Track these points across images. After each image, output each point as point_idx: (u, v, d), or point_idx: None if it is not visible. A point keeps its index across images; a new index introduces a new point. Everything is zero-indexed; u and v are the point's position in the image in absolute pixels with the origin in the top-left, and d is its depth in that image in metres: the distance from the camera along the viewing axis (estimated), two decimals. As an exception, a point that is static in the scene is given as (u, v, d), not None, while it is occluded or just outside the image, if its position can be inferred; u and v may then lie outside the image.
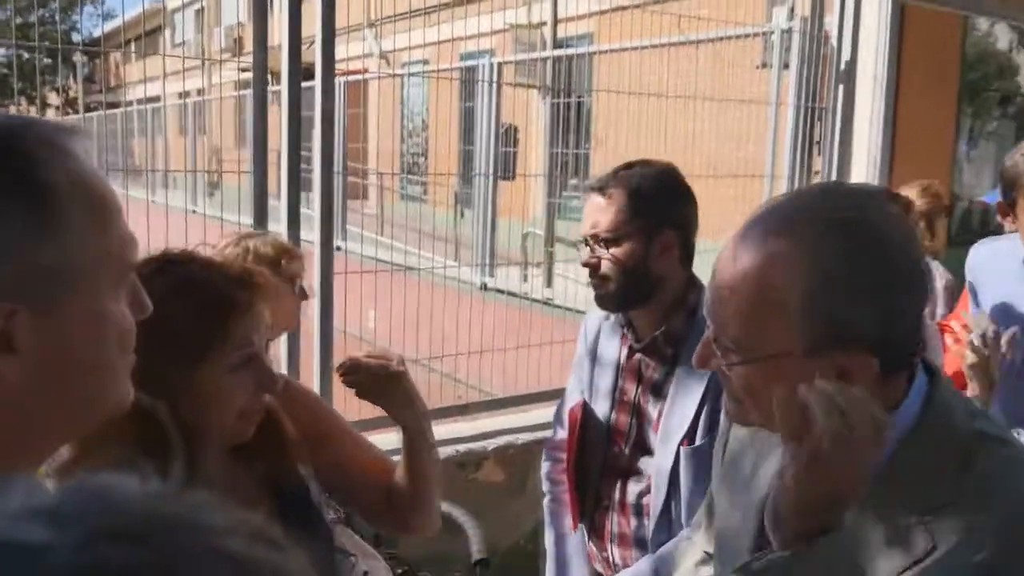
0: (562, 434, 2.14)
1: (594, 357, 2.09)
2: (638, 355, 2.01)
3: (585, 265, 1.96)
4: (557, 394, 2.44)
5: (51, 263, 0.69)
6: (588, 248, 1.95)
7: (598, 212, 1.93)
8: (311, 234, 3.01)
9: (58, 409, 0.73)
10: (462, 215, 5.33)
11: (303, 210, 2.97)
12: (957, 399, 1.05)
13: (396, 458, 1.57)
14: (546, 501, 2.21)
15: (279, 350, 2.91)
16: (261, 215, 2.89)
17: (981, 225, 11.01)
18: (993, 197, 2.90)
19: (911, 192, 3.49)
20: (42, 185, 0.69)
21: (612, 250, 1.91)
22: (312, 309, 3.00)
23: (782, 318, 0.96)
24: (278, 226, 2.91)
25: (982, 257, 2.51)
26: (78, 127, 0.83)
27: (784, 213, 1.00)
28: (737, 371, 1.01)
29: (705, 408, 1.90)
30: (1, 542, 0.30)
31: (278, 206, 2.94)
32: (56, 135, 0.73)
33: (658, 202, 1.92)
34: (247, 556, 0.33)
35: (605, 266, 1.91)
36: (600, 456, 2.04)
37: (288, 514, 1.32)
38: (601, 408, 2.05)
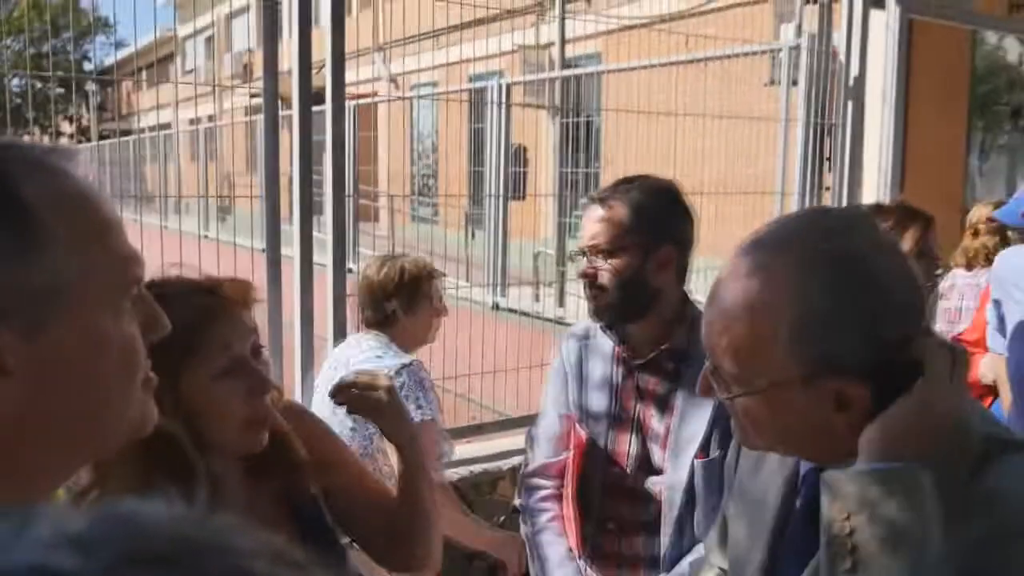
0: (542, 459, 2.09)
1: (580, 378, 2.05)
2: (637, 372, 2.00)
3: (583, 276, 1.95)
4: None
5: (36, 283, 0.68)
6: (586, 259, 1.96)
7: (598, 224, 1.93)
8: (324, 257, 3.02)
9: (63, 433, 0.72)
10: (473, 236, 5.34)
11: (315, 234, 2.98)
12: (973, 404, 1.06)
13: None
14: (529, 532, 2.10)
15: (291, 376, 2.91)
16: (274, 239, 2.90)
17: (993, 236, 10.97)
18: (1006, 214, 2.89)
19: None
20: (21, 204, 0.68)
21: (611, 262, 1.91)
22: (326, 330, 3.01)
23: (774, 350, 0.97)
24: (290, 250, 2.92)
25: (1013, 267, 2.49)
26: (68, 147, 0.82)
27: (771, 246, 1.02)
28: (737, 403, 1.03)
29: (717, 423, 1.89)
30: (31, 568, 0.30)
31: (290, 230, 2.95)
32: (38, 154, 0.73)
33: (659, 217, 1.93)
34: None
35: (603, 277, 1.92)
36: (600, 478, 2.01)
37: (305, 534, 1.32)
38: (595, 429, 2.02)
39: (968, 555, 0.91)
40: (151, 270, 1.32)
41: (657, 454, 1.96)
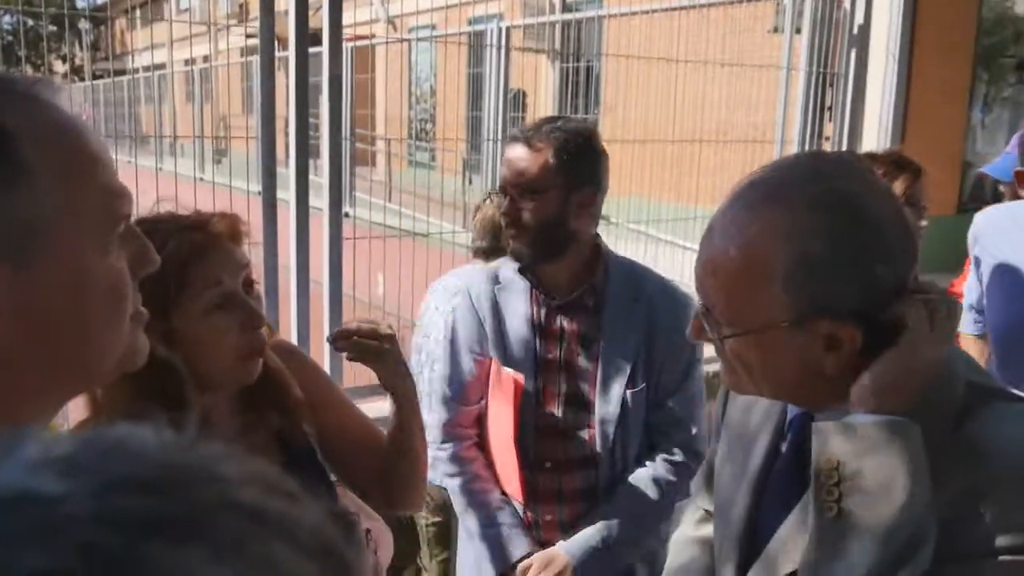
0: (455, 407, 2.08)
1: (498, 321, 2.03)
2: (558, 312, 2.02)
3: (505, 215, 1.96)
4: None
5: (19, 215, 0.68)
6: (508, 198, 1.95)
7: (524, 162, 1.93)
8: (319, 200, 3.00)
9: (52, 365, 0.72)
10: (470, 181, 5.31)
11: (311, 177, 2.96)
12: (959, 352, 1.07)
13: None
14: (458, 484, 2.07)
15: (288, 318, 2.92)
16: (269, 182, 2.88)
17: (993, 192, 10.95)
18: (997, 169, 2.82)
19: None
20: (2, 135, 0.67)
21: (534, 201, 1.92)
22: (322, 274, 3.01)
23: (767, 291, 0.98)
24: (286, 193, 2.90)
25: (988, 224, 2.48)
26: (54, 80, 0.81)
27: (765, 188, 1.02)
28: (728, 343, 1.03)
29: (641, 354, 2.00)
30: (17, 492, 0.30)
31: (286, 173, 2.93)
32: (22, 86, 0.71)
33: (581, 160, 1.94)
34: (263, 507, 0.33)
35: (526, 216, 1.93)
36: (532, 420, 2.01)
37: (295, 470, 1.33)
38: (520, 371, 2.02)
39: (950, 505, 0.92)
40: (146, 212, 1.32)
41: (586, 391, 2.01)
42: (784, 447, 1.15)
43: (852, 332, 0.96)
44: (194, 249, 1.27)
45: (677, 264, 4.21)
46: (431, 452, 1.98)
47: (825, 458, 0.95)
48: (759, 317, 0.99)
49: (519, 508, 2.05)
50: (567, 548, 1.99)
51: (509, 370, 2.00)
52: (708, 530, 1.37)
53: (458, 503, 2.09)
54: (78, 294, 0.72)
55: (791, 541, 1.06)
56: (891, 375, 0.95)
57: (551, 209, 1.92)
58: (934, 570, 0.90)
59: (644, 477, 2.04)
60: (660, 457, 2.07)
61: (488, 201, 2.95)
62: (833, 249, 0.96)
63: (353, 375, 2.99)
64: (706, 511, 1.42)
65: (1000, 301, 2.33)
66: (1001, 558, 0.90)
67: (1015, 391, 1.09)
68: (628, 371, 2.00)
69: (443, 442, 2.09)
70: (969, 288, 2.58)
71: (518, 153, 1.93)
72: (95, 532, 0.29)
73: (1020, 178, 2.25)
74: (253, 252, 1.45)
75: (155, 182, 2.91)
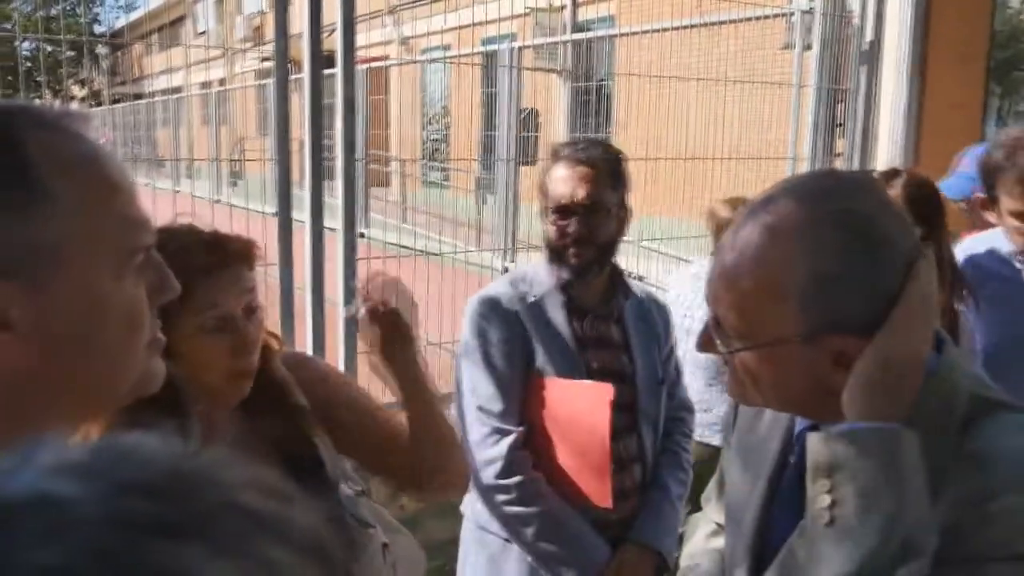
0: (513, 429, 2.04)
1: (543, 339, 2.06)
2: (596, 322, 2.11)
3: (572, 234, 2.01)
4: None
5: (38, 240, 0.70)
6: (576, 217, 2.00)
7: (584, 182, 2.00)
8: (334, 221, 3.03)
9: (67, 387, 0.74)
10: (484, 201, 5.33)
11: (326, 198, 2.99)
12: (964, 364, 1.07)
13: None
14: (534, 512, 2.02)
15: (303, 338, 2.94)
16: (285, 203, 2.91)
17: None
18: (950, 188, 2.72)
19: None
20: (25, 162, 0.70)
21: (603, 221, 2.01)
22: (337, 294, 3.03)
23: (780, 307, 0.99)
24: (302, 214, 2.93)
25: (972, 254, 2.46)
26: (82, 110, 0.84)
27: (780, 205, 1.03)
28: (738, 356, 1.05)
29: (657, 354, 2.17)
30: (34, 495, 0.32)
31: (301, 194, 2.96)
32: (49, 116, 0.74)
33: (624, 179, 2.08)
34: (262, 510, 0.35)
35: (594, 235, 2.02)
36: None
37: (295, 476, 1.36)
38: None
39: (953, 511, 0.93)
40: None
41: (627, 393, 2.09)
42: (792, 458, 1.16)
43: (861, 347, 0.97)
44: (201, 268, 1.29)
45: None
46: (488, 483, 2.00)
47: (817, 467, 0.96)
48: (770, 332, 1.00)
49: (585, 513, 2.07)
50: (646, 538, 2.10)
51: (586, 381, 2.04)
52: (719, 542, 1.37)
53: (529, 532, 2.03)
54: (93, 318, 0.73)
55: (801, 548, 1.07)
56: (867, 379, 0.96)
57: (613, 227, 2.05)
58: (934, 574, 0.91)
59: (674, 456, 2.22)
60: (679, 437, 2.25)
61: (722, 205, 3.14)
62: (847, 267, 0.97)
63: (382, 390, 3.01)
64: (717, 524, 1.42)
65: (987, 329, 2.32)
66: (999, 565, 0.90)
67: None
68: (657, 371, 2.16)
69: (506, 474, 2.02)
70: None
71: (585, 173, 2.00)
72: (105, 533, 0.31)
73: (984, 204, 2.24)
74: (269, 272, 1.48)
75: (173, 204, 2.95)
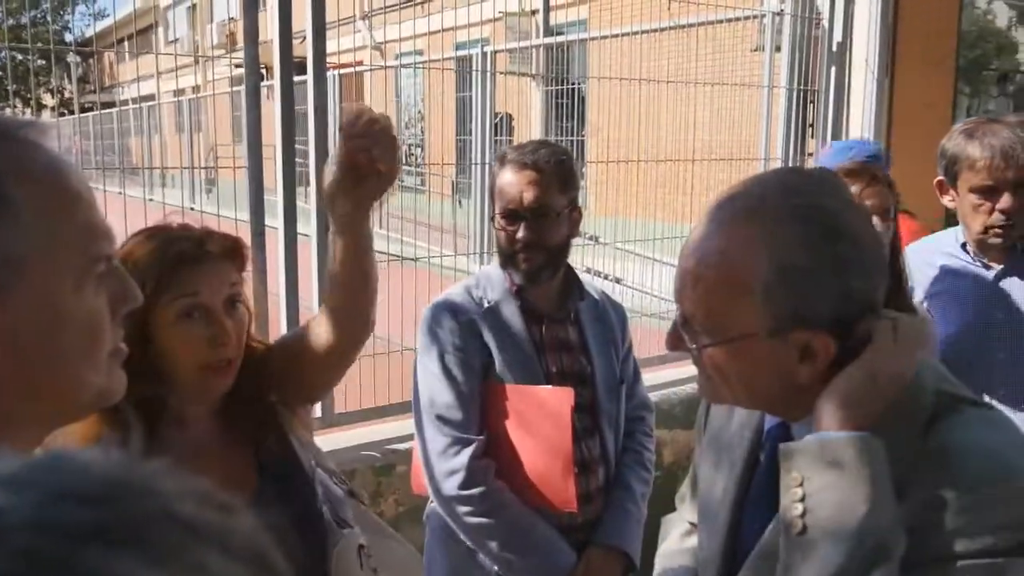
0: (474, 437, 2.03)
1: (501, 345, 2.05)
2: (552, 326, 2.11)
3: (521, 239, 2.00)
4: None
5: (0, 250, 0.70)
6: (524, 223, 1.99)
7: (537, 187, 1.99)
8: (309, 227, 3.02)
9: (28, 396, 0.74)
10: (460, 204, 5.33)
11: (300, 204, 2.98)
12: (928, 362, 1.09)
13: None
14: (496, 522, 2.01)
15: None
16: (258, 210, 2.90)
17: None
18: (830, 158, 2.84)
19: None
20: None
21: (551, 225, 2.00)
22: (312, 300, 3.02)
23: (746, 302, 1.01)
24: (275, 220, 2.92)
25: (918, 253, 2.51)
26: (42, 121, 0.83)
27: (745, 201, 1.05)
28: (706, 352, 1.06)
29: (615, 355, 2.18)
30: None
31: (275, 201, 2.95)
32: (7, 127, 0.74)
33: (574, 181, 2.08)
34: (196, 518, 0.35)
35: (544, 240, 2.01)
36: None
37: (269, 478, 1.37)
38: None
39: (919, 511, 0.94)
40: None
41: (588, 395, 2.11)
42: (763, 456, 1.17)
43: (827, 342, 0.99)
44: (181, 257, 1.32)
45: (666, 283, 4.23)
46: (449, 494, 1.98)
47: (790, 476, 0.98)
48: (737, 327, 1.01)
49: (550, 518, 2.07)
50: (612, 540, 2.09)
51: (547, 387, 2.05)
52: (693, 542, 1.38)
53: (494, 541, 2.02)
54: (52, 329, 0.73)
55: (774, 548, 1.07)
56: (850, 392, 0.98)
57: (563, 231, 2.03)
58: None
59: (636, 455, 2.22)
60: (640, 436, 2.25)
61: None
62: (811, 260, 0.98)
63: (344, 400, 3.00)
64: (691, 523, 1.43)
65: (943, 322, 2.36)
66: (967, 562, 0.92)
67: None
68: (615, 371, 2.16)
69: (468, 485, 2.00)
70: None
71: (531, 178, 1.98)
72: (36, 539, 0.31)
73: (942, 187, 2.31)
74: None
75: (144, 213, 2.93)
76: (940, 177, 2.31)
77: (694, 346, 1.07)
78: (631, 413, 2.25)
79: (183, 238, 1.35)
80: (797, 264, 0.98)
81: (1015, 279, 2.27)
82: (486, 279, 2.12)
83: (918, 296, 2.43)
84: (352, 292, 1.48)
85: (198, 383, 1.38)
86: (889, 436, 0.98)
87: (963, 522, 0.92)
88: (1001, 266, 2.27)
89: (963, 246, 2.33)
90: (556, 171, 2.01)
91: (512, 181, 2.00)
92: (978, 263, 2.30)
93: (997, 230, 2.19)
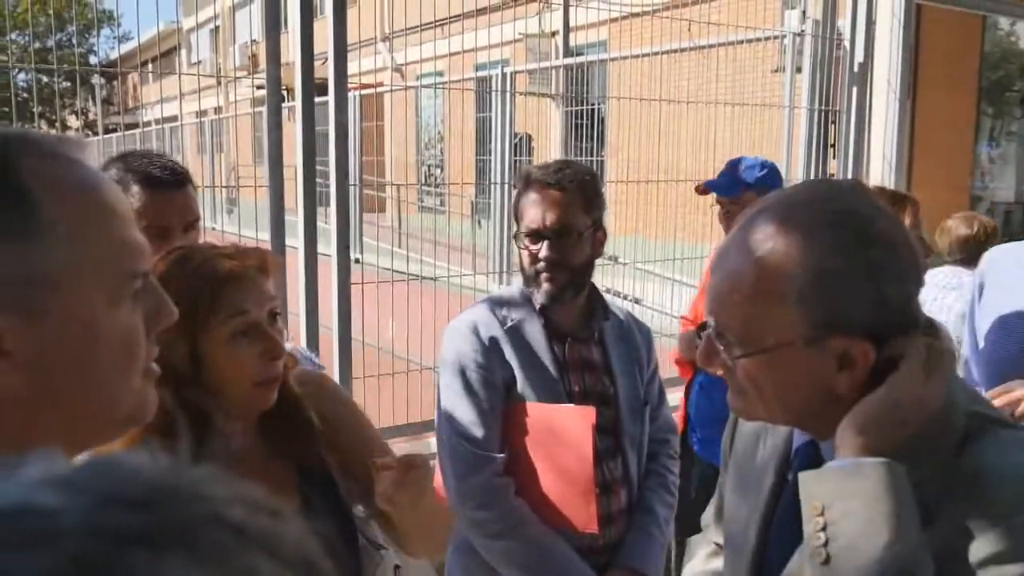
0: (496, 455, 2.01)
1: (524, 364, 2.03)
2: (577, 345, 2.09)
3: (545, 259, 2.00)
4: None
5: (34, 268, 0.69)
6: (547, 242, 1.99)
7: (561, 207, 1.99)
8: (329, 248, 3.03)
9: (62, 416, 0.73)
10: (479, 225, 5.34)
11: (320, 224, 2.99)
12: (960, 383, 1.07)
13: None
14: (517, 542, 1.98)
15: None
16: (278, 229, 2.91)
17: (1004, 226, 10.94)
18: (719, 186, 2.97)
19: None
20: (21, 189, 0.69)
21: (575, 245, 2.00)
22: (331, 320, 3.02)
23: (781, 310, 0.99)
24: (295, 240, 2.93)
25: (997, 258, 2.48)
26: (79, 138, 0.83)
27: (778, 210, 1.03)
28: (741, 364, 1.03)
29: (639, 376, 2.15)
30: (18, 504, 0.33)
31: (295, 221, 2.97)
32: (46, 143, 0.74)
33: (599, 202, 2.07)
34: (247, 523, 0.36)
35: (567, 259, 2.00)
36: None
37: (311, 497, 1.37)
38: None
39: (951, 535, 0.92)
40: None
41: (611, 416, 2.08)
42: (790, 477, 1.15)
43: (865, 349, 0.97)
44: (228, 276, 1.32)
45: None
46: (470, 513, 1.98)
47: (811, 504, 0.96)
48: (774, 336, 0.99)
49: (570, 539, 2.04)
50: (633, 563, 2.06)
51: (568, 405, 2.03)
52: (719, 563, 1.36)
53: (514, 561, 2.00)
54: (88, 347, 0.73)
55: (801, 573, 1.05)
56: (872, 415, 0.96)
57: (586, 250, 2.03)
58: None
59: (660, 478, 2.19)
60: (665, 459, 2.22)
61: (960, 222, 3.28)
62: (847, 265, 0.97)
63: (377, 416, 2.99)
64: (717, 544, 1.41)
65: (997, 335, 2.33)
66: None
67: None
68: (639, 392, 2.14)
69: (486, 505, 1.99)
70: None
71: (554, 197, 1.99)
72: (87, 541, 0.32)
73: None
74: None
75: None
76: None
77: (729, 358, 1.04)
78: (655, 435, 2.21)
79: (223, 256, 1.35)
80: (831, 269, 0.96)
81: None
82: (511, 298, 2.12)
83: (987, 298, 2.41)
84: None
85: (249, 399, 1.37)
86: (920, 458, 0.96)
87: (998, 549, 0.90)
88: None
89: None
90: (579, 191, 2.00)
91: (535, 200, 2.01)
92: None
93: None
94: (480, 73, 5.12)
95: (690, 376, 3.10)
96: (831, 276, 0.97)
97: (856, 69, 4.29)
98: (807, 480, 0.98)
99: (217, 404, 1.35)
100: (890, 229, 1.00)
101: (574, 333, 2.09)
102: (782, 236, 0.99)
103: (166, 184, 1.88)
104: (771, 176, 2.96)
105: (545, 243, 1.99)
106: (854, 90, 4.31)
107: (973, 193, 10.45)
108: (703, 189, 3.07)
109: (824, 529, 0.94)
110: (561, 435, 2.02)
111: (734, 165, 3.04)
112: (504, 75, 4.78)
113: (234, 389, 1.35)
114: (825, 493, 0.95)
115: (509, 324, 2.07)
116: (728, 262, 1.04)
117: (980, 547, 0.91)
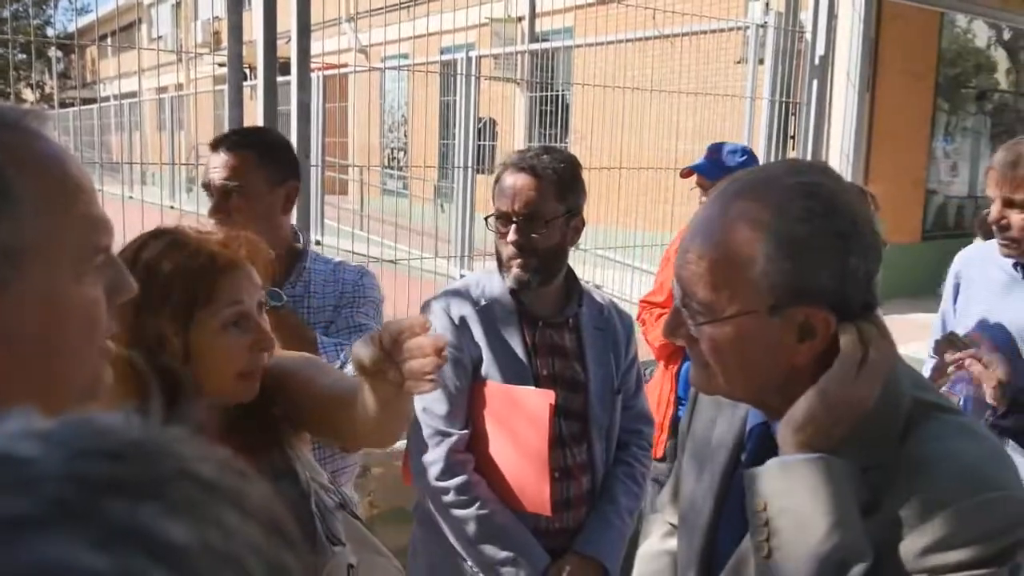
0: (456, 432, 2.04)
1: (492, 344, 2.05)
2: (549, 330, 2.10)
3: (513, 243, 2.00)
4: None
5: (2, 241, 0.69)
6: (515, 227, 2.00)
7: (533, 192, 1.99)
8: (288, 228, 3.00)
9: (22, 390, 0.72)
10: (443, 209, 5.34)
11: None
12: (905, 368, 1.09)
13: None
14: (471, 513, 2.01)
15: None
16: (238, 208, 2.88)
17: (956, 220, 11.15)
18: (707, 170, 3.03)
19: None
20: None
21: (545, 230, 1.99)
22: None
23: (747, 277, 1.00)
24: (255, 219, 2.91)
25: (972, 257, 2.54)
26: (41, 110, 0.82)
27: (748, 182, 1.06)
28: (705, 333, 1.05)
29: (614, 364, 2.15)
30: None
31: (255, 200, 2.93)
32: (9, 115, 0.73)
33: (577, 188, 2.06)
34: (215, 479, 0.38)
35: (536, 245, 2.00)
36: None
37: (270, 482, 1.35)
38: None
39: (892, 527, 0.94)
40: (115, 244, 1.34)
41: (580, 402, 2.09)
42: (744, 458, 1.17)
43: (826, 318, 0.99)
44: (223, 265, 1.30)
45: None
46: (430, 483, 2.00)
47: (755, 501, 0.99)
48: (738, 303, 1.01)
49: (524, 519, 2.06)
50: (590, 550, 2.07)
51: (528, 387, 2.03)
52: (674, 543, 1.38)
53: (468, 533, 2.03)
54: (52, 319, 0.72)
55: (749, 558, 1.08)
56: (808, 413, 0.99)
57: (558, 237, 2.02)
58: None
59: (628, 468, 2.19)
60: (635, 449, 2.22)
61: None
62: (812, 233, 0.98)
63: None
64: (672, 524, 1.43)
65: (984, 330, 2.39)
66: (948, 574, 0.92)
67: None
68: (613, 381, 2.14)
69: (446, 475, 2.03)
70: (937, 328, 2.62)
71: (525, 182, 1.99)
72: (66, 487, 0.34)
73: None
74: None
75: (122, 211, 2.90)
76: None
77: (694, 324, 1.06)
78: (628, 425, 2.22)
79: (215, 243, 1.32)
80: (797, 236, 0.98)
81: None
82: (486, 279, 2.13)
83: (968, 302, 2.46)
84: (390, 431, 1.44)
85: (231, 390, 1.35)
86: (864, 445, 0.99)
87: (940, 535, 0.92)
88: None
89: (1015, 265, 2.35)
90: (554, 178, 2.00)
91: (509, 184, 2.01)
92: (1020, 276, 2.32)
93: (1002, 239, 2.23)
94: (445, 56, 5.09)
95: (681, 357, 3.10)
96: (797, 244, 0.99)
97: (817, 62, 4.34)
98: (750, 477, 1.01)
99: (197, 392, 1.32)
100: (856, 205, 1.02)
101: (547, 318, 2.10)
102: (751, 205, 1.02)
103: (219, 143, 2.07)
104: (750, 162, 3.02)
105: (513, 227, 2.00)
106: (815, 82, 4.36)
107: (928, 187, 10.64)
108: (687, 172, 3.13)
109: (766, 524, 0.97)
110: (518, 416, 2.04)
111: (716, 150, 3.11)
112: (469, 59, 4.77)
113: (217, 379, 1.33)
114: (765, 490, 0.98)
115: (482, 304, 2.08)
116: (698, 230, 1.06)
117: (924, 533, 0.93)
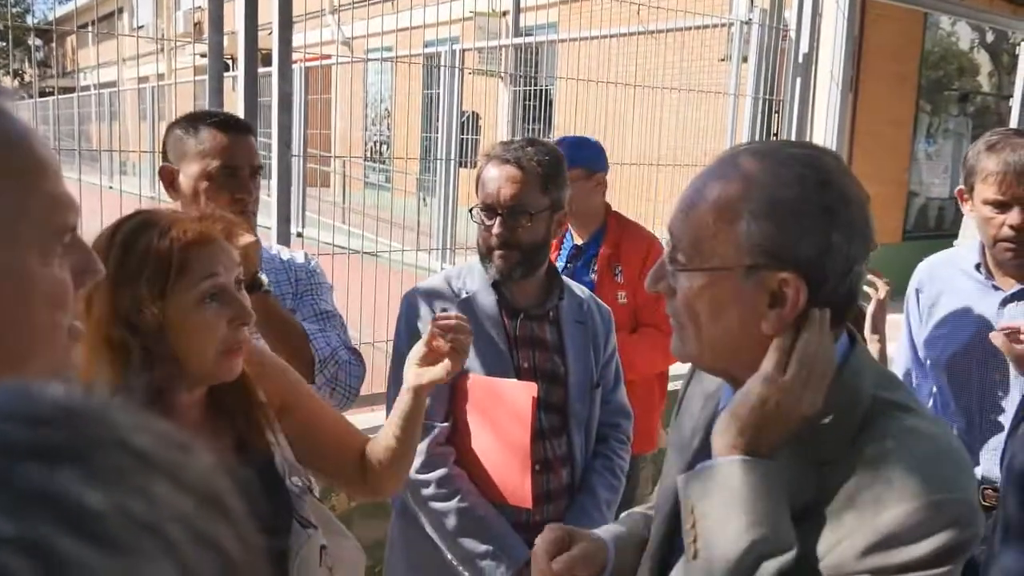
0: (437, 428, 2.05)
1: (474, 335, 2.07)
2: (529, 323, 2.10)
3: (497, 236, 2.01)
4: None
5: None
6: (500, 219, 1.99)
7: (517, 185, 1.98)
8: (269, 220, 2.98)
9: None
10: (425, 202, 5.32)
11: (263, 196, 2.94)
12: (870, 365, 1.10)
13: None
14: (452, 506, 2.03)
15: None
16: (217, 199, 2.85)
17: (937, 221, 11.23)
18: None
19: None
20: None
21: (529, 223, 1.99)
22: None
23: (731, 231, 1.02)
24: (234, 211, 2.88)
25: (934, 267, 2.54)
26: (5, 87, 0.81)
27: (753, 147, 1.09)
28: (682, 284, 1.07)
29: (593, 357, 2.16)
30: None
31: (235, 191, 2.91)
32: None
33: (561, 182, 2.06)
34: (150, 450, 0.37)
35: (520, 238, 2.00)
36: None
37: (247, 468, 1.34)
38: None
39: (846, 521, 0.95)
40: (94, 232, 1.33)
41: (560, 394, 2.10)
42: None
43: (798, 288, 1.00)
44: (197, 238, 1.30)
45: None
46: (411, 476, 1.99)
47: (685, 503, 1.01)
48: (719, 257, 1.03)
49: (506, 512, 2.07)
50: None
51: (511, 380, 2.03)
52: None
53: (448, 527, 2.04)
54: (16, 298, 0.71)
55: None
56: (742, 415, 1.01)
57: (543, 231, 2.02)
58: None
59: (606, 461, 2.20)
60: (614, 443, 2.22)
61: None
62: (800, 200, 1.00)
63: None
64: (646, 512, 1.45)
65: (944, 338, 2.39)
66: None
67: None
68: (592, 374, 2.14)
69: (427, 468, 2.03)
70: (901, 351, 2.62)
71: (510, 174, 1.98)
72: None
73: (962, 196, 2.34)
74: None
75: (101, 201, 2.87)
76: (960, 187, 2.34)
77: (672, 269, 1.08)
78: (607, 419, 2.23)
79: (189, 221, 1.32)
80: (787, 199, 1.00)
81: (1022, 304, 2.28)
82: (468, 271, 2.12)
83: (923, 303, 2.47)
84: (399, 447, 1.57)
85: (213, 369, 1.33)
86: (818, 442, 1.00)
87: (881, 536, 0.93)
88: (1012, 291, 2.28)
89: (977, 266, 2.35)
90: (539, 171, 2.00)
91: (492, 176, 2.01)
92: (989, 285, 2.32)
93: (1007, 244, 2.22)
94: (429, 50, 5.07)
95: None
96: (784, 205, 1.00)
97: (801, 60, 4.35)
98: (681, 481, 1.03)
99: (178, 373, 1.32)
100: (853, 190, 1.03)
101: (528, 310, 2.10)
102: (748, 164, 1.04)
103: (240, 128, 2.06)
104: None
105: (497, 219, 2.00)
106: (798, 81, 4.37)
107: (910, 188, 10.71)
108: None
109: (693, 526, 0.99)
110: (500, 409, 2.04)
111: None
112: (453, 52, 4.75)
113: (199, 357, 1.32)
114: (691, 493, 1.01)
115: (464, 296, 2.08)
116: (693, 186, 1.09)
117: (867, 533, 0.93)
